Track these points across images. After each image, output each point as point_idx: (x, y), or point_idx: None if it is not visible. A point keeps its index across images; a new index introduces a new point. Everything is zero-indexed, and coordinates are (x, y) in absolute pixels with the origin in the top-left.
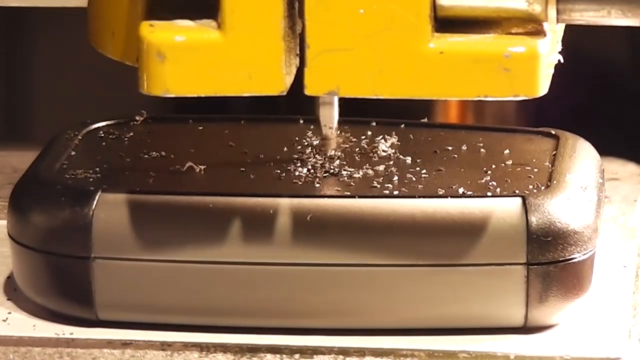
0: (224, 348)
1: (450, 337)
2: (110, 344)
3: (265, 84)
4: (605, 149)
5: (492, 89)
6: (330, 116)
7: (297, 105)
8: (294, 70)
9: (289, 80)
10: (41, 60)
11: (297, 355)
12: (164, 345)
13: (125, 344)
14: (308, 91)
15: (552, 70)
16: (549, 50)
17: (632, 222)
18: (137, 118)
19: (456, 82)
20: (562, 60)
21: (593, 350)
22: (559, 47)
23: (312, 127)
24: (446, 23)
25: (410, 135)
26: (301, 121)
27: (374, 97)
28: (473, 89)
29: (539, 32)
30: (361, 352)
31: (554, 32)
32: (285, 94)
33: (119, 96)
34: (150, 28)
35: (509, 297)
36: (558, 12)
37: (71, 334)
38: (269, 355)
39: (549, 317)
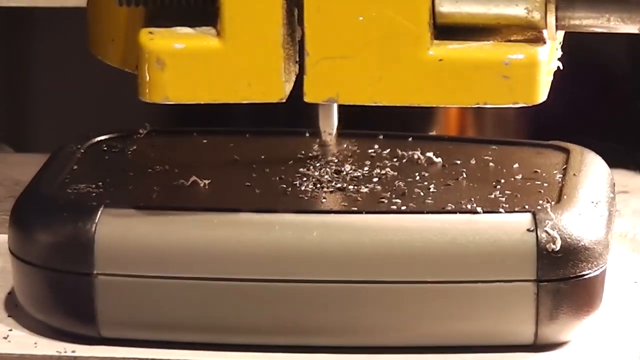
0: None
1: (459, 355)
2: None
3: (265, 91)
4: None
5: (491, 97)
6: (329, 123)
7: (296, 112)
8: (294, 78)
9: (288, 87)
10: (43, 67)
11: None
12: None
13: None
14: (307, 98)
15: (552, 77)
16: (548, 58)
17: None
18: (141, 131)
19: (455, 89)
20: (561, 67)
21: None
22: (559, 54)
23: (318, 140)
24: (445, 30)
25: (419, 149)
26: (307, 134)
27: (373, 105)
28: (472, 96)
29: (539, 40)
30: None
31: (554, 39)
32: (284, 101)
33: (121, 104)
34: (150, 35)
35: (519, 314)
36: (557, 19)
37: (73, 351)
38: None
39: (559, 335)
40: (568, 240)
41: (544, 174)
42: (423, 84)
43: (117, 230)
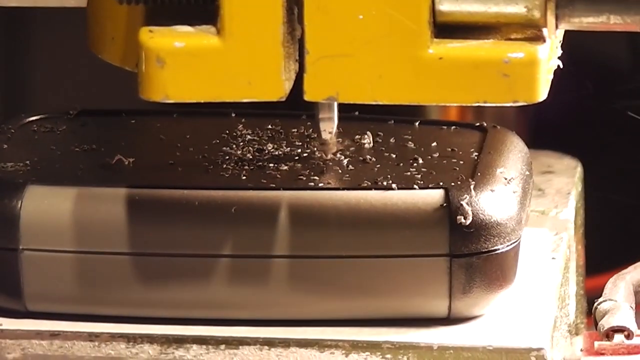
0: (151, 339)
1: (374, 328)
2: (38, 334)
3: (265, 89)
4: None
5: (491, 95)
6: (329, 121)
7: (296, 110)
8: (293, 76)
9: (288, 86)
10: (43, 67)
11: (222, 346)
12: (91, 336)
13: (53, 335)
14: (307, 97)
15: (552, 76)
16: (548, 56)
17: (564, 214)
18: (71, 112)
19: (455, 87)
20: (561, 65)
21: (516, 341)
22: (559, 52)
23: (243, 120)
24: (445, 29)
25: (340, 128)
26: (233, 114)
27: (373, 103)
28: (472, 94)
29: (538, 38)
30: (286, 342)
31: (554, 37)
32: (284, 99)
33: (121, 104)
34: (150, 34)
35: (433, 289)
36: (557, 17)
37: (0, 324)
38: (195, 346)
39: (472, 308)
40: (480, 215)
41: (460, 152)
42: (423, 83)
43: (42, 207)
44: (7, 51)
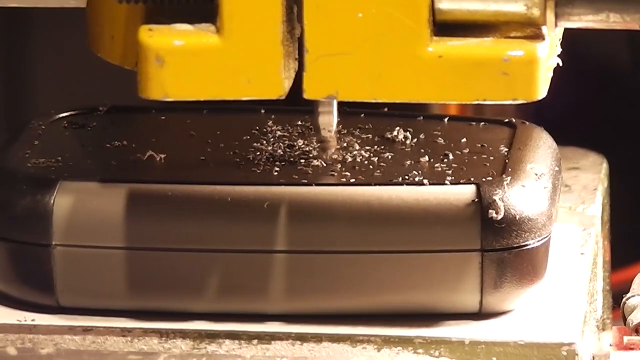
0: (183, 334)
1: (406, 323)
2: (71, 330)
3: (264, 88)
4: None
5: (491, 93)
6: (329, 120)
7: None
8: (293, 75)
9: (287, 84)
10: (43, 67)
11: (255, 341)
12: (124, 332)
13: (86, 330)
14: (307, 95)
15: (551, 74)
16: (547, 54)
17: (592, 210)
18: (101, 108)
19: (455, 86)
20: (560, 64)
21: (547, 336)
22: (558, 50)
23: (272, 116)
24: (445, 27)
25: (370, 124)
26: (262, 111)
27: (373, 101)
28: (472, 92)
29: (538, 36)
30: (318, 337)
31: (553, 35)
32: (283, 98)
33: (120, 99)
34: (149, 32)
35: (464, 283)
36: (556, 15)
37: (33, 320)
38: (227, 341)
39: (503, 303)
40: (511, 210)
41: (490, 148)
42: (422, 81)
43: (74, 203)
44: (7, 51)
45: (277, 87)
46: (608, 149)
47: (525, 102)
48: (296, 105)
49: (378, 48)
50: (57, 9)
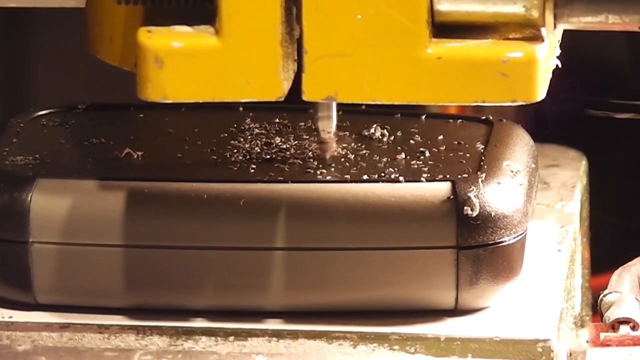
0: (160, 331)
1: (382, 319)
2: (48, 327)
3: (263, 89)
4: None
5: (489, 95)
6: (328, 121)
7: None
8: (292, 76)
9: (286, 85)
10: (43, 67)
11: (231, 338)
12: (101, 328)
13: (63, 327)
14: (306, 97)
15: (550, 75)
16: (546, 56)
17: (570, 207)
18: (80, 106)
19: (454, 87)
20: (559, 65)
21: (523, 332)
22: (557, 52)
23: (251, 114)
24: (444, 28)
25: (347, 122)
26: (241, 109)
27: (372, 103)
28: (471, 94)
29: (537, 38)
30: (294, 334)
31: (552, 37)
32: (282, 99)
33: (119, 99)
34: (148, 34)
35: (440, 280)
36: (555, 17)
37: (10, 317)
38: (204, 338)
39: (479, 300)
40: (487, 207)
41: (466, 145)
42: (421, 82)
43: (51, 200)
44: (7, 51)
45: (276, 89)
46: (604, 150)
47: (524, 103)
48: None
49: (377, 49)
50: (57, 9)
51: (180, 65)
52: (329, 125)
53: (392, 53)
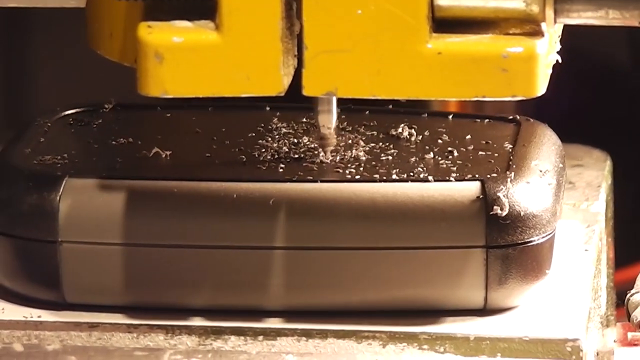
0: (189, 330)
1: (411, 319)
2: (77, 326)
3: (263, 84)
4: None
5: (490, 90)
6: (328, 117)
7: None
8: (292, 71)
9: (286, 80)
10: (43, 67)
11: (260, 337)
12: (130, 328)
13: (92, 327)
14: (306, 92)
15: (550, 70)
16: (547, 51)
17: (595, 207)
18: (106, 105)
19: (454, 82)
20: (559, 60)
21: (552, 332)
22: (557, 47)
23: (278, 113)
24: (444, 23)
25: (375, 122)
26: (267, 108)
27: (372, 98)
28: (471, 89)
29: (537, 33)
30: (324, 334)
31: (552, 32)
32: (283, 94)
33: (119, 98)
34: (148, 29)
35: (469, 280)
36: (556, 12)
37: (39, 316)
38: (233, 337)
39: (508, 299)
40: (516, 207)
41: (494, 145)
42: (422, 77)
43: (80, 199)
44: (7, 51)
45: (276, 84)
46: (611, 147)
47: (524, 98)
48: (300, 102)
49: (377, 45)
50: (57, 9)
51: (180, 60)
52: (329, 121)
53: (392, 48)
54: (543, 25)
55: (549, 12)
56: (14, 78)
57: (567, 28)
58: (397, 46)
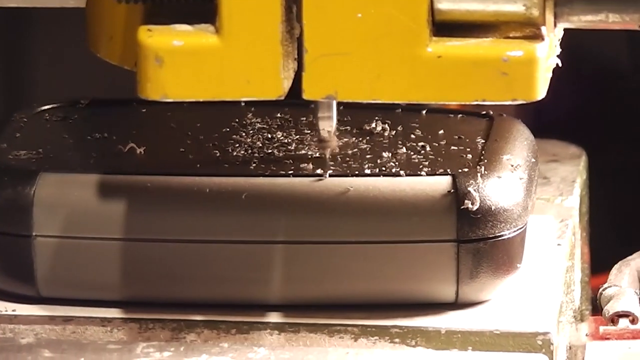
0: (162, 324)
1: (382, 312)
2: (52, 320)
3: (263, 88)
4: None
5: (490, 93)
6: (328, 120)
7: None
8: (292, 75)
9: (287, 84)
10: (43, 67)
11: (233, 331)
12: (103, 322)
13: (66, 320)
14: (306, 95)
15: (550, 74)
16: (547, 54)
17: (570, 202)
18: (82, 101)
19: (454, 86)
20: (560, 64)
21: (523, 325)
22: (557, 51)
23: (252, 109)
24: (444, 27)
25: (348, 116)
26: (242, 103)
27: (372, 102)
28: (471, 93)
29: (537, 36)
30: (296, 327)
31: (552, 35)
32: (283, 98)
33: (119, 96)
34: (149, 32)
35: (440, 274)
36: (556, 16)
37: (14, 310)
38: (206, 331)
39: (479, 293)
40: (487, 201)
41: (467, 140)
42: (422, 81)
43: (54, 194)
44: (7, 51)
45: (277, 87)
46: (612, 148)
47: (524, 102)
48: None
49: (377, 48)
50: (57, 9)
51: (180, 64)
52: (329, 124)
53: (392, 52)
54: (543, 28)
55: (549, 16)
56: (13, 78)
57: (567, 31)
58: (397, 49)
